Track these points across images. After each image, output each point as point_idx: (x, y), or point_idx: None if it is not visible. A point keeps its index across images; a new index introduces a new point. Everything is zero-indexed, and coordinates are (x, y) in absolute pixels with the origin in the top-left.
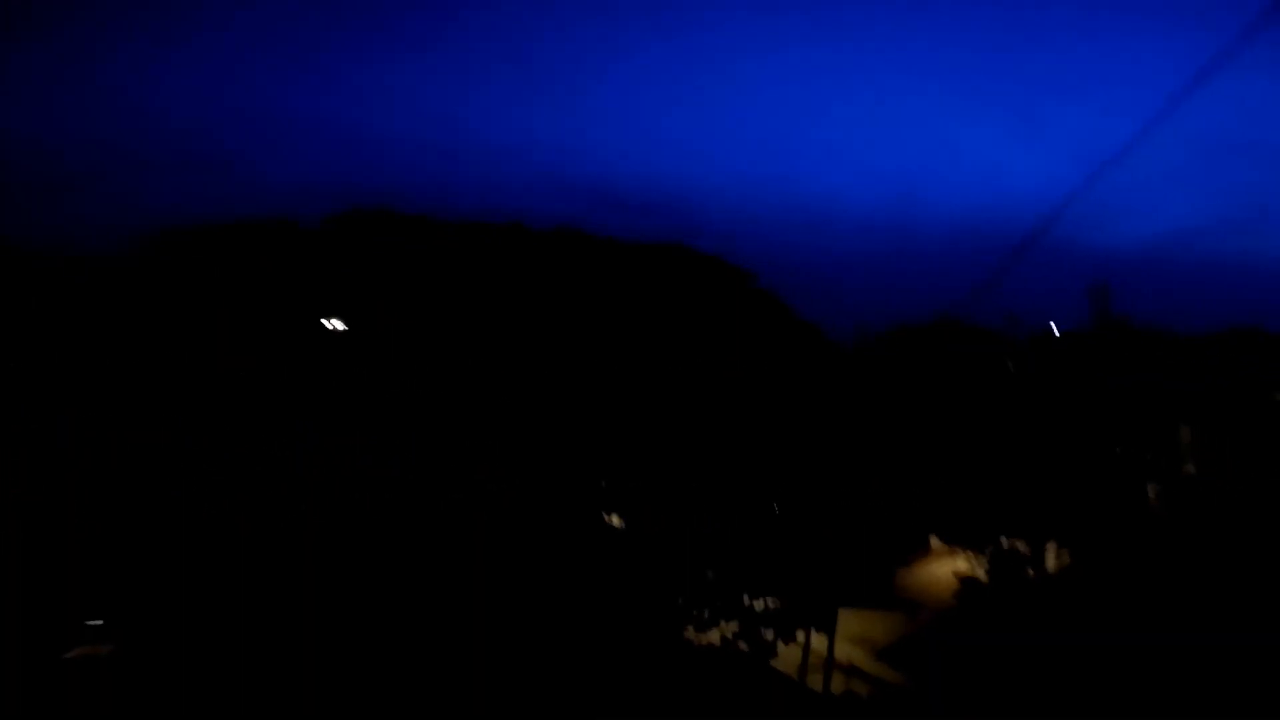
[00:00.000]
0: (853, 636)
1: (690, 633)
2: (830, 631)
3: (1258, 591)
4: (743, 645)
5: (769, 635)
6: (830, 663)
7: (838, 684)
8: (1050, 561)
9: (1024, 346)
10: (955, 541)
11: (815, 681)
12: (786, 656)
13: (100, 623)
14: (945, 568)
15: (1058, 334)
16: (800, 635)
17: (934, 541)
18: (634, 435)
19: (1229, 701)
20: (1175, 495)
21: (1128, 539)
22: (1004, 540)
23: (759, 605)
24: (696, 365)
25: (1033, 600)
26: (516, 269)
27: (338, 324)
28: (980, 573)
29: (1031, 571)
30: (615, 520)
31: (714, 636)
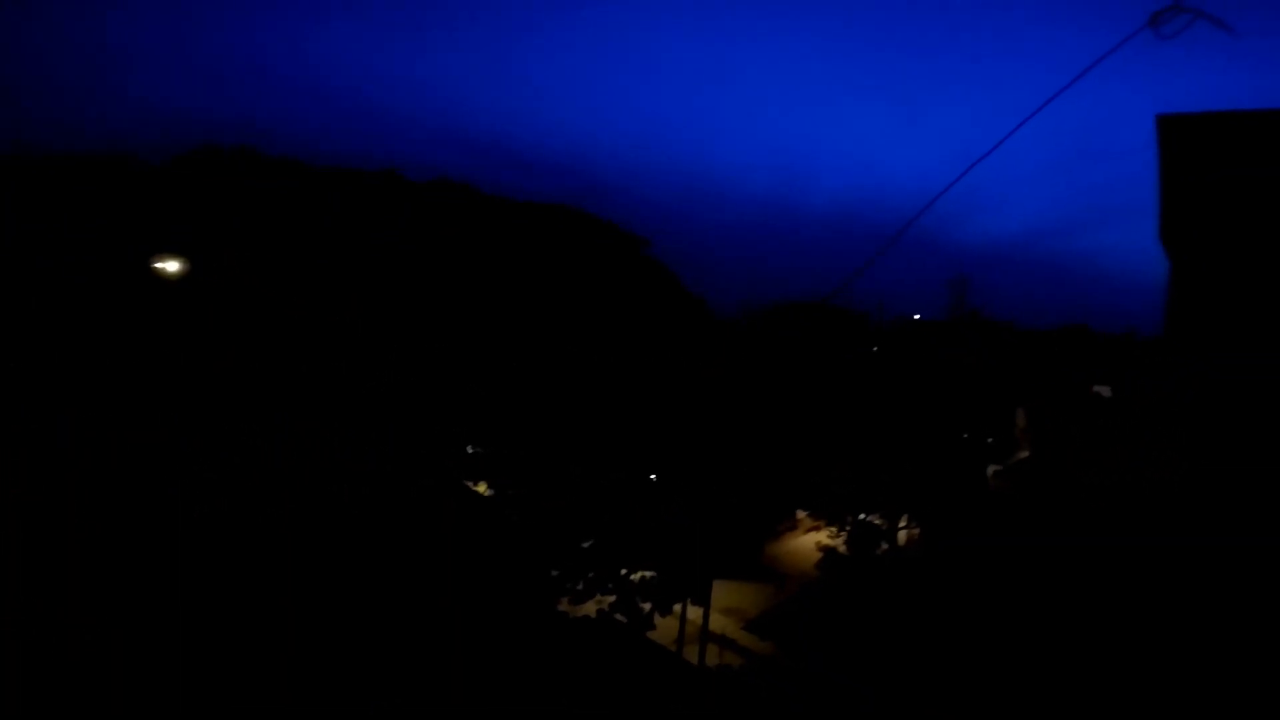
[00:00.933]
0: (726, 608)
1: (565, 605)
2: (705, 603)
3: (1080, 565)
4: (620, 618)
5: (646, 607)
6: (705, 635)
7: (712, 656)
8: (901, 535)
9: (889, 331)
10: (820, 515)
11: (692, 654)
12: (664, 629)
13: None
14: (810, 540)
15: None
16: (676, 607)
17: (800, 515)
18: (507, 399)
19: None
20: (1010, 477)
21: (969, 516)
22: (863, 515)
23: (635, 577)
24: (581, 330)
25: (886, 570)
26: (390, 219)
27: (172, 266)
28: (840, 545)
29: (885, 545)
30: (482, 488)
31: (590, 609)
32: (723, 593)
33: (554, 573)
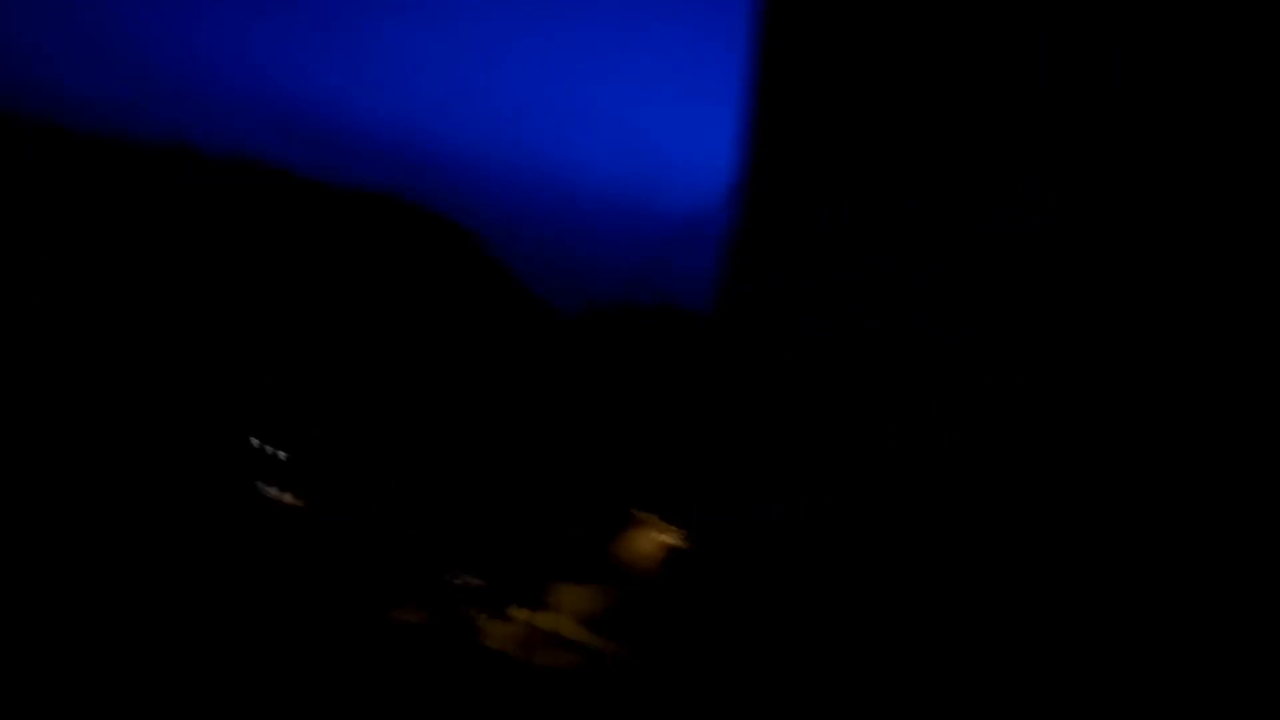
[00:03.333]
0: (567, 610)
1: (383, 613)
2: (543, 607)
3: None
4: (446, 625)
5: (476, 613)
6: (543, 637)
7: (554, 659)
8: None
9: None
10: (662, 514)
11: (530, 657)
12: (500, 634)
13: None
14: (653, 539)
15: None
16: (513, 612)
17: (641, 514)
18: (316, 399)
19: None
20: None
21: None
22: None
23: (462, 583)
24: (403, 328)
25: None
26: (177, 198)
27: None
28: (684, 543)
29: None
30: (288, 498)
31: (410, 616)
32: (564, 594)
33: (366, 579)
